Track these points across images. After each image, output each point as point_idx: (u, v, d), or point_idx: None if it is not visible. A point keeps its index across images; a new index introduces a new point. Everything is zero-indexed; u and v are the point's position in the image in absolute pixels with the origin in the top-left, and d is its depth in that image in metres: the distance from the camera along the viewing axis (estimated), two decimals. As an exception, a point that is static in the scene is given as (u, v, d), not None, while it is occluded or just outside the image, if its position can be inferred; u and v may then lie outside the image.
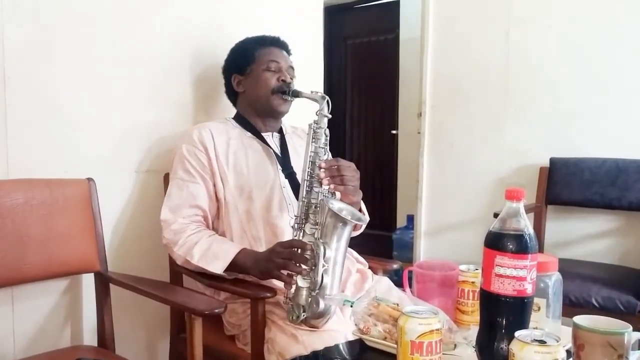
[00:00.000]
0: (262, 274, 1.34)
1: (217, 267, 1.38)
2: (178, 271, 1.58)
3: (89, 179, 1.51)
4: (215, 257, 1.40)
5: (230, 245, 1.43)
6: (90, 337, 1.58)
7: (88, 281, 1.55)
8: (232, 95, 1.69)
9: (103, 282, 1.51)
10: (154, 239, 1.56)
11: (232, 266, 1.39)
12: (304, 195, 1.34)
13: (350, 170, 1.34)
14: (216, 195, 1.52)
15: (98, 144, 1.60)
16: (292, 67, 1.63)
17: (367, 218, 1.56)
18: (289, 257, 1.28)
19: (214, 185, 1.52)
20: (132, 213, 1.69)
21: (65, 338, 1.57)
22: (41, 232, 1.39)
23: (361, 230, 1.55)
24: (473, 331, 1.10)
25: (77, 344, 1.57)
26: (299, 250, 1.28)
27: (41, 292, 1.50)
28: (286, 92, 1.54)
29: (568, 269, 1.98)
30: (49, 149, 1.49)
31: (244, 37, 1.68)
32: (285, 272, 1.29)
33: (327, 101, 1.39)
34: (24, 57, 1.43)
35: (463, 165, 2.89)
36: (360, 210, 1.49)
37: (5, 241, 1.33)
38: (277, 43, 1.65)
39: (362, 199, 1.49)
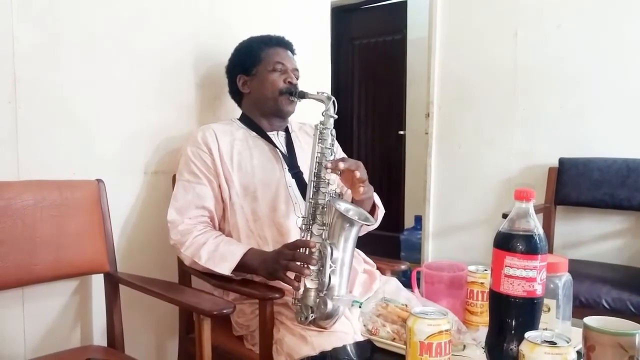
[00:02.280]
0: (269, 274, 1.35)
1: (225, 268, 1.38)
2: (186, 271, 1.59)
3: (99, 180, 1.52)
4: (222, 258, 1.40)
5: (238, 246, 1.43)
6: (99, 337, 1.59)
7: (97, 282, 1.56)
8: (237, 95, 1.69)
9: (112, 283, 1.51)
10: (162, 239, 1.57)
11: (240, 267, 1.39)
12: (310, 196, 1.34)
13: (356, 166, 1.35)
14: (221, 196, 1.52)
15: (107, 145, 1.61)
16: (296, 69, 1.63)
17: (382, 211, 1.56)
18: (293, 259, 1.28)
19: (219, 186, 1.52)
20: (141, 214, 1.70)
21: (75, 338, 1.58)
22: (51, 233, 1.40)
23: (377, 224, 1.53)
24: (482, 332, 1.09)
25: (86, 344, 1.58)
26: (305, 251, 1.28)
27: (51, 293, 1.51)
28: (293, 93, 1.54)
29: (578, 269, 1.97)
30: (58, 150, 1.50)
31: (249, 37, 1.68)
32: (291, 273, 1.29)
33: (333, 102, 1.38)
34: (34, 60, 1.44)
35: (471, 166, 2.88)
36: (374, 203, 1.49)
37: (15, 242, 1.34)
38: (282, 43, 1.65)
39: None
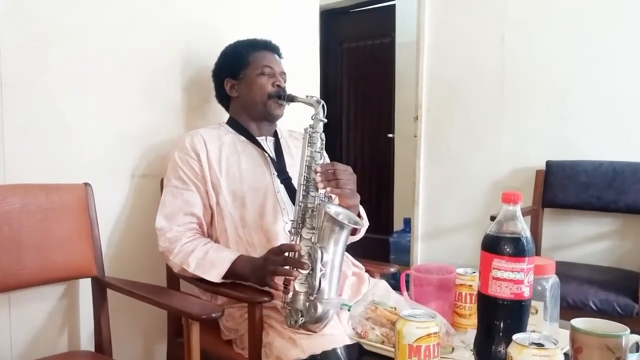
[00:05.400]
0: (259, 282, 1.34)
1: (214, 275, 1.38)
2: (175, 275, 1.58)
3: (86, 184, 1.51)
4: (211, 265, 1.39)
5: (227, 253, 1.43)
6: (87, 342, 1.58)
7: (85, 286, 1.54)
8: (224, 99, 1.69)
9: (100, 287, 1.50)
10: (150, 243, 1.56)
11: (229, 274, 1.38)
12: (300, 200, 1.34)
13: (347, 174, 1.34)
14: (209, 203, 1.52)
15: (94, 148, 1.60)
16: (284, 72, 1.63)
17: (366, 222, 1.56)
18: (280, 264, 1.28)
19: (207, 193, 1.51)
20: (129, 218, 1.68)
21: (63, 343, 1.56)
22: (38, 237, 1.39)
23: (361, 235, 1.55)
24: (471, 334, 1.10)
25: (74, 349, 1.57)
26: (295, 255, 1.28)
27: (38, 298, 1.50)
28: (282, 96, 1.54)
29: (565, 271, 1.98)
30: (45, 154, 1.49)
31: (236, 41, 1.68)
32: (279, 278, 1.29)
33: (323, 105, 1.39)
34: (20, 63, 1.43)
35: (459, 168, 2.90)
36: (358, 214, 1.49)
37: (1, 246, 1.33)
38: (269, 47, 1.65)
39: (360, 203, 1.49)
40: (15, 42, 1.42)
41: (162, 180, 1.63)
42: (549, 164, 2.52)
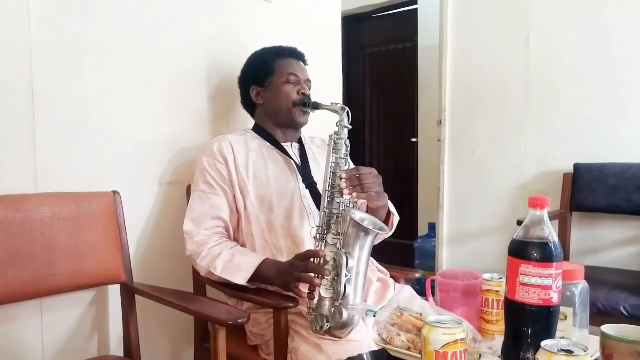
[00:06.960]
0: (283, 286, 1.35)
1: (240, 278, 1.39)
2: (201, 281, 1.60)
3: (115, 192, 1.54)
4: (238, 268, 1.41)
5: (253, 257, 1.44)
6: (116, 347, 1.61)
7: (114, 292, 1.57)
8: (250, 106, 1.71)
9: (129, 293, 1.53)
10: (178, 249, 1.58)
11: (255, 277, 1.40)
12: (325, 206, 1.35)
13: (372, 177, 1.35)
14: (236, 207, 1.54)
15: (122, 157, 1.63)
16: (309, 80, 1.65)
17: (397, 218, 1.57)
18: (305, 270, 1.28)
19: (234, 197, 1.53)
20: (156, 224, 1.71)
21: (93, 348, 1.59)
22: (69, 244, 1.42)
23: (392, 232, 1.54)
24: (498, 341, 1.09)
25: (104, 354, 1.59)
26: (320, 260, 1.29)
27: (69, 303, 1.53)
28: (307, 104, 1.55)
29: (595, 276, 1.94)
30: (75, 163, 1.53)
31: (262, 48, 1.70)
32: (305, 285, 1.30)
33: (347, 112, 1.39)
34: (51, 74, 1.47)
35: (485, 173, 2.87)
36: (389, 211, 1.50)
37: (34, 254, 1.36)
38: (294, 54, 1.67)
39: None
40: (47, 53, 1.45)
41: (188, 187, 1.66)
42: (576, 166, 2.47)
